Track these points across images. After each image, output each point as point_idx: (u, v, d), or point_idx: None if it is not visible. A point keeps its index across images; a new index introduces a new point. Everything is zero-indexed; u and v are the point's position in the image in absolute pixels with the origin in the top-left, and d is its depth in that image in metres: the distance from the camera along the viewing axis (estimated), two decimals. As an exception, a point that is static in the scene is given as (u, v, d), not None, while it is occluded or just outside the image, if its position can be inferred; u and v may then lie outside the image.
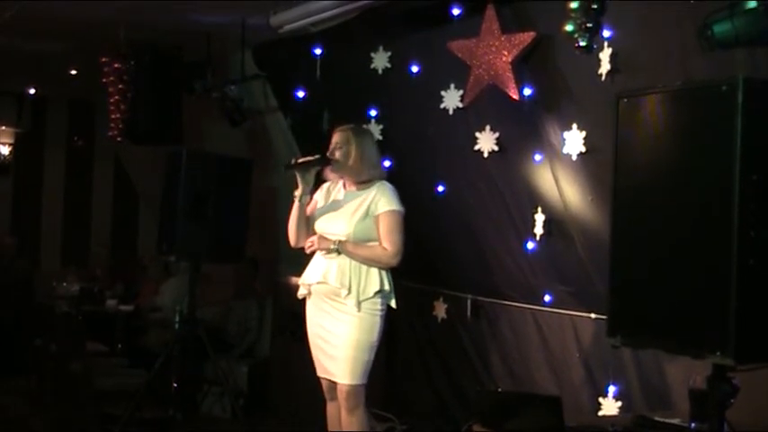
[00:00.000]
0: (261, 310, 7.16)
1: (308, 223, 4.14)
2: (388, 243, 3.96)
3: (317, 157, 4.09)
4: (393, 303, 4.09)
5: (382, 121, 5.50)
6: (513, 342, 5.01)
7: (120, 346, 7.46)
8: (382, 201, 4.00)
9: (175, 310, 5.76)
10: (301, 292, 4.17)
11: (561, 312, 4.65)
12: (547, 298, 4.74)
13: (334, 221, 4.06)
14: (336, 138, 4.12)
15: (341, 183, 4.17)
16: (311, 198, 4.15)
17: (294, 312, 6.57)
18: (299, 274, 4.19)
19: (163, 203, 5.83)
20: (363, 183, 4.08)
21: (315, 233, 4.10)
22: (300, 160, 4.15)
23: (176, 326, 5.57)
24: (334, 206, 4.11)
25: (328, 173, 4.15)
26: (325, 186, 4.22)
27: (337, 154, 4.07)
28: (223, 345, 6.71)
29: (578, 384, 4.49)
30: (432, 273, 5.50)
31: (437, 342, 5.57)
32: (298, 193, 4.10)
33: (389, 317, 4.11)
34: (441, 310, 5.45)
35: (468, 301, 5.24)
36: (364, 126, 4.35)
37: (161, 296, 7.61)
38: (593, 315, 4.34)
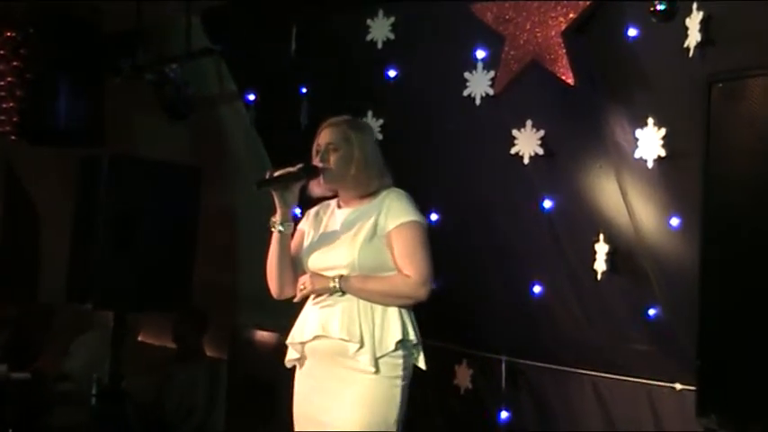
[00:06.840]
0: (212, 378, 7.17)
1: (294, 263, 4.08)
2: (409, 268, 3.88)
3: (299, 167, 4.00)
4: (421, 363, 3.99)
5: (382, 115, 5.52)
6: (566, 419, 5.02)
7: (10, 429, 7.46)
8: (393, 211, 3.94)
9: (91, 379, 5.77)
10: (290, 357, 4.07)
11: (632, 380, 4.66)
12: (612, 360, 4.74)
13: (331, 252, 3.99)
14: (327, 135, 4.05)
15: (333, 203, 4.13)
16: (295, 228, 4.10)
17: (258, 380, 6.61)
18: (264, 327, 4.18)
19: (75, 229, 5.86)
20: (367, 196, 4.04)
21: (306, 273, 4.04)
22: (277, 173, 4.01)
23: (93, 400, 5.58)
24: (328, 234, 4.05)
25: (315, 188, 4.07)
26: (311, 213, 4.19)
27: (332, 159, 4.01)
28: (159, 427, 6.71)
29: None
30: (451, 326, 5.52)
31: (459, 420, 5.58)
32: (276, 219, 4.02)
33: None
34: (464, 377, 5.46)
35: (503, 365, 5.25)
36: (361, 119, 4.29)
37: (71, 359, 7.62)
38: (677, 386, 4.35)
